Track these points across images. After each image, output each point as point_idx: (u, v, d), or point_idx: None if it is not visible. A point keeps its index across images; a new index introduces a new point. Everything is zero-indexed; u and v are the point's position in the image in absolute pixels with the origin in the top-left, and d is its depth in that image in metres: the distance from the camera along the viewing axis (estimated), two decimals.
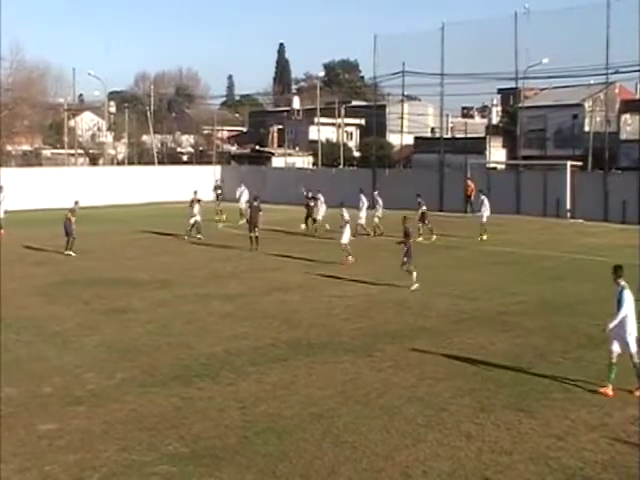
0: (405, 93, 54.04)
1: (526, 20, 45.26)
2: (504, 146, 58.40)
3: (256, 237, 28.46)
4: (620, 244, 30.79)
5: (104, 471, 9.26)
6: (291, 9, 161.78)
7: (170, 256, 27.38)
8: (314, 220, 33.54)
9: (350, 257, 25.61)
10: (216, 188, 42.29)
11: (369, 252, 28.24)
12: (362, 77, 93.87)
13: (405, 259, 21.43)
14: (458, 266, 25.44)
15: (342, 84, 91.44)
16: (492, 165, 52.43)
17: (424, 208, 32.57)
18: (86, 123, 78.98)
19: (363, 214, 32.88)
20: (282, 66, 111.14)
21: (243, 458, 9.64)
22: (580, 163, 45.17)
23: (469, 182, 43.04)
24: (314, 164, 63.40)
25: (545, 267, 25.14)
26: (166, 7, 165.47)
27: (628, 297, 11.96)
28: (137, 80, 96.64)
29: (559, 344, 15.16)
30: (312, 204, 33.94)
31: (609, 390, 11.97)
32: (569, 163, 42.63)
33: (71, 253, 27.19)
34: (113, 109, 76.10)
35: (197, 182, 51.90)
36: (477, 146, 55.64)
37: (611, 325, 11.98)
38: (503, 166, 52.77)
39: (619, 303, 11.96)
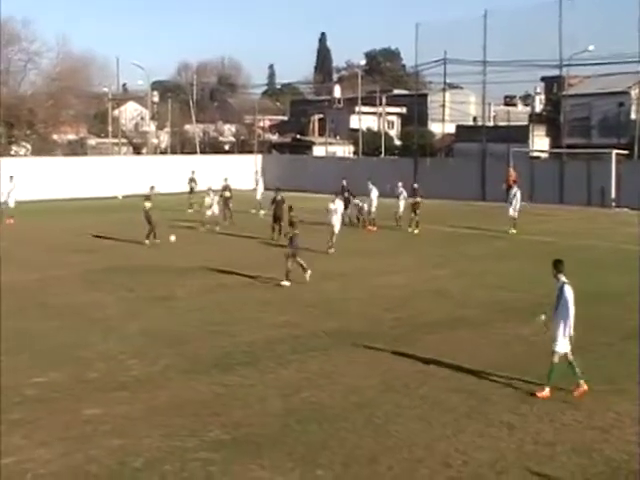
0: (447, 81, 53.72)
1: (570, 6, 44.57)
2: (547, 135, 57.57)
3: (279, 229, 27.52)
4: None
5: (147, 456, 9.41)
6: None
7: (212, 245, 27.59)
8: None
9: (332, 249, 25.46)
10: (191, 180, 42.03)
11: (409, 242, 28.12)
12: (403, 65, 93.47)
13: (290, 251, 20.18)
14: (497, 256, 25.21)
15: (383, 73, 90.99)
16: (535, 154, 51.77)
17: (418, 199, 31.74)
18: (130, 112, 79.93)
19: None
20: (323, 55, 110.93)
21: (284, 445, 9.71)
22: (626, 152, 44.34)
23: (511, 170, 42.50)
24: (355, 153, 63.27)
25: (588, 257, 24.76)
26: None
27: (569, 293, 11.38)
28: (180, 70, 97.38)
29: (602, 335, 14.96)
30: (349, 197, 32.79)
31: (583, 388, 11.43)
32: (614, 152, 41.90)
33: (147, 242, 27.20)
34: (156, 98, 76.80)
35: (238, 171, 52.54)
36: (520, 135, 54.93)
37: (572, 329, 11.40)
38: (546, 155, 52.07)
39: (558, 299, 11.42)
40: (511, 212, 31.03)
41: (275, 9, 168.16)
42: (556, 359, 11.41)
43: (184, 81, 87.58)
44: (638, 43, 40.60)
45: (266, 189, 38.08)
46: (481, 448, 9.60)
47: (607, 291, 19.29)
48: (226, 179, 35.24)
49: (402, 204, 32.46)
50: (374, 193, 32.55)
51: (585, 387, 11.47)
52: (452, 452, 9.48)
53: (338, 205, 27.38)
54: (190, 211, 37.95)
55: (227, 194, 34.14)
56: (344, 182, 33.72)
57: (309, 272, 20.09)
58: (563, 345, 11.41)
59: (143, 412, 10.85)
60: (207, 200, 31.84)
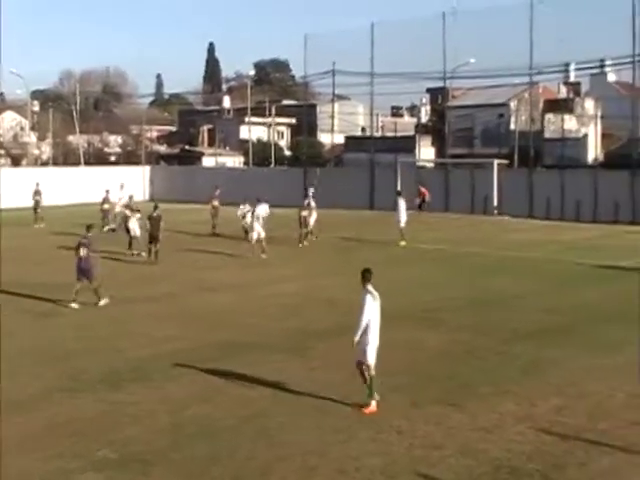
0: (335, 92, 54.33)
1: (454, 20, 46.07)
2: (433, 145, 59.28)
3: (156, 251, 25.55)
4: (545, 240, 31.63)
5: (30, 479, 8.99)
6: (221, 7, 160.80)
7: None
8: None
9: (264, 254, 25.60)
10: (36, 193, 40.94)
11: (300, 252, 28.24)
12: (293, 76, 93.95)
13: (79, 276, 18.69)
14: (388, 263, 25.59)
15: (273, 83, 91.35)
16: (421, 163, 53.13)
17: (305, 212, 30.56)
18: (7, 122, 76.82)
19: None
20: (212, 65, 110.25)
21: (173, 462, 9.49)
22: (506, 161, 46.16)
23: (421, 188, 43.16)
24: (245, 163, 63.13)
25: (473, 264, 25.57)
26: (91, 4, 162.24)
27: (369, 303, 11.05)
28: (62, 78, 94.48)
29: (487, 339, 15.42)
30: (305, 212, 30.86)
31: (374, 406, 11.10)
32: (496, 161, 43.53)
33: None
34: (36, 108, 74.24)
35: (125, 182, 51.36)
36: (407, 145, 56.30)
37: (357, 336, 11.06)
38: (432, 164, 53.53)
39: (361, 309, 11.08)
40: (402, 224, 30.43)
41: (162, 18, 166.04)
42: (372, 371, 11.13)
43: (67, 90, 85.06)
44: (529, 56, 42.30)
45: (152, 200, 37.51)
46: (373, 453, 9.68)
47: (490, 296, 19.93)
48: (108, 191, 34.81)
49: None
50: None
51: (374, 408, 11.04)
52: (345, 459, 9.51)
53: (260, 211, 26.99)
54: (37, 227, 36.58)
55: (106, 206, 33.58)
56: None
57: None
58: (372, 356, 11.13)
59: (20, 435, 10.32)
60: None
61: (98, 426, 10.65)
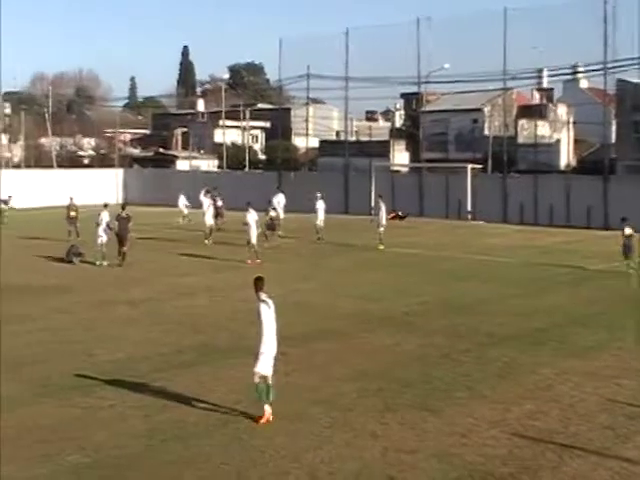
0: (310, 96, 54.42)
1: (428, 26, 46.33)
2: (407, 149, 59.46)
3: (124, 253, 25.38)
4: (518, 245, 31.88)
5: None
6: (195, 10, 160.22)
7: (68, 263, 26.54)
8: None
9: (258, 259, 25.60)
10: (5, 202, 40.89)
11: (273, 256, 28.19)
12: (267, 80, 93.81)
13: None
14: (363, 268, 25.70)
15: (247, 87, 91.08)
16: (396, 168, 53.31)
17: (272, 214, 32.10)
18: None
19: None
20: (186, 68, 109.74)
21: (147, 467, 9.41)
22: (480, 166, 46.47)
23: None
24: (219, 167, 62.91)
25: (447, 268, 25.68)
26: (65, 5, 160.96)
27: (265, 312, 10.76)
28: (34, 81, 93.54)
29: (461, 343, 15.48)
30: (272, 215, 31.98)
31: (268, 413, 10.81)
32: (469, 166, 43.81)
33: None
34: (8, 110, 73.43)
35: (98, 185, 51.06)
36: (381, 149, 56.44)
37: (261, 348, 10.70)
38: (406, 169, 53.73)
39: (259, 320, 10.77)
40: (381, 229, 30.50)
41: (136, 20, 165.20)
42: (256, 379, 10.79)
43: (39, 92, 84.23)
44: (503, 62, 42.71)
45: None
46: (347, 458, 9.66)
47: (465, 300, 20.03)
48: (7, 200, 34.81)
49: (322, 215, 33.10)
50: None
51: (269, 417, 10.78)
52: (318, 464, 9.48)
53: (252, 216, 26.89)
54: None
55: (73, 213, 32.88)
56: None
57: None
58: (264, 365, 10.77)
59: None
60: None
61: (68, 431, 10.52)
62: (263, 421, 10.77)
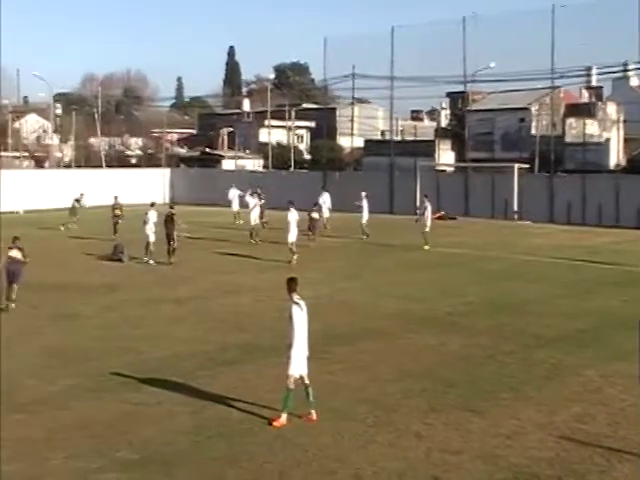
0: (355, 96, 54.32)
1: (474, 24, 45.94)
2: (453, 149, 59.00)
3: (173, 249, 26.05)
4: (565, 245, 31.46)
5: (50, 479, 9.07)
6: (241, 11, 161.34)
7: (116, 262, 26.97)
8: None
9: (294, 258, 25.62)
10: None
11: (319, 255, 28.27)
12: (312, 80, 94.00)
13: None
14: (407, 267, 25.62)
15: (293, 87, 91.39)
16: (441, 168, 52.97)
17: (315, 215, 32.00)
18: (31, 125, 77.58)
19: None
20: (232, 68, 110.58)
21: (193, 463, 9.55)
22: (527, 166, 45.91)
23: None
24: (265, 167, 63.25)
25: (493, 268, 25.47)
26: (113, 7, 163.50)
27: (297, 314, 10.70)
28: (84, 82, 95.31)
29: (507, 344, 15.36)
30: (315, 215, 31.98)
31: (312, 417, 10.82)
32: (516, 166, 43.31)
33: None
34: (59, 111, 74.85)
35: (146, 185, 51.72)
36: (426, 149, 56.09)
37: (292, 350, 10.69)
38: (452, 168, 53.35)
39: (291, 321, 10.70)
40: (426, 229, 30.19)
41: (183, 21, 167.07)
42: (291, 384, 10.74)
43: (89, 93, 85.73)
44: (550, 60, 42.18)
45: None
46: (391, 458, 9.67)
47: (511, 300, 19.86)
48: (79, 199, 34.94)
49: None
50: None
51: (314, 417, 10.82)
52: (362, 463, 9.51)
53: (293, 215, 26.97)
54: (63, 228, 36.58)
55: (118, 212, 33.44)
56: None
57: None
58: (298, 367, 10.78)
59: (44, 434, 10.46)
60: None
61: (119, 427, 10.73)
62: (277, 424, 10.62)
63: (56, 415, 11.20)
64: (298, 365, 10.80)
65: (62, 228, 35.70)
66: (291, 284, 10.98)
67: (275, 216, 34.07)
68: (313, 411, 10.93)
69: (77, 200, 38.73)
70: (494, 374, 13.28)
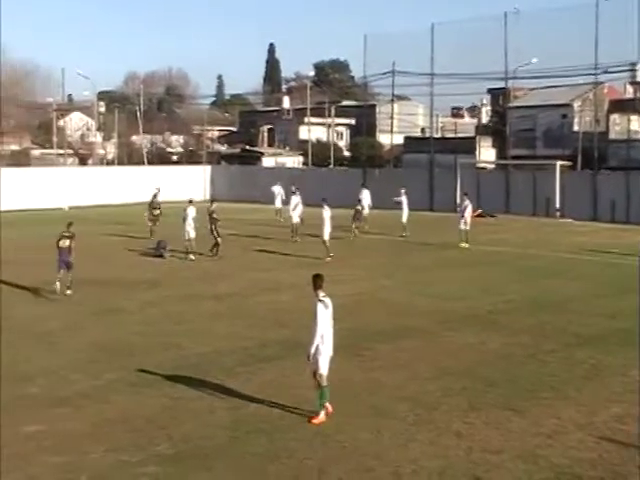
0: (395, 93, 54.10)
1: (515, 20, 45.45)
2: (494, 146, 58.50)
3: (217, 245, 26.69)
4: (608, 243, 30.96)
5: (91, 472, 9.22)
6: (281, 8, 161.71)
7: (158, 258, 27.25)
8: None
9: (329, 255, 25.65)
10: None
11: (358, 252, 28.24)
12: (352, 77, 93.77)
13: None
14: (447, 266, 25.47)
15: (332, 84, 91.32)
16: (482, 165, 52.54)
17: (359, 207, 33.42)
18: (75, 123, 78.77)
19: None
20: (272, 66, 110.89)
21: (232, 458, 9.62)
22: (569, 163, 45.32)
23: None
24: (304, 164, 63.38)
25: (534, 266, 25.20)
26: (155, 6, 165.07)
27: (321, 312, 10.59)
28: (127, 80, 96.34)
29: (548, 343, 15.20)
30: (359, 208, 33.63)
31: (322, 417, 10.71)
32: (558, 163, 42.77)
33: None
34: (102, 109, 75.94)
35: (187, 182, 52.17)
36: (467, 146, 55.72)
37: (312, 348, 10.59)
38: (493, 166, 52.89)
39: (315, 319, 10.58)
40: (462, 226, 30.09)
41: (224, 19, 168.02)
42: (323, 381, 10.73)
43: (131, 91, 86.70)
44: (594, 55, 41.57)
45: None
46: (431, 456, 9.64)
47: (552, 299, 19.63)
48: (156, 194, 34.08)
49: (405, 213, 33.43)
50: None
51: (323, 419, 10.67)
52: (402, 461, 9.49)
53: (327, 212, 27.08)
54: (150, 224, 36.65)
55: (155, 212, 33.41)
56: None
57: None
58: (325, 366, 10.72)
59: (87, 427, 10.64)
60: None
61: (159, 421, 10.86)
62: (316, 421, 10.62)
63: (99, 409, 11.39)
64: (325, 364, 10.73)
65: (149, 224, 34.30)
66: (317, 281, 10.81)
67: (311, 213, 34.03)
68: (323, 412, 10.72)
69: (154, 195, 37.74)
70: (535, 373, 13.15)
